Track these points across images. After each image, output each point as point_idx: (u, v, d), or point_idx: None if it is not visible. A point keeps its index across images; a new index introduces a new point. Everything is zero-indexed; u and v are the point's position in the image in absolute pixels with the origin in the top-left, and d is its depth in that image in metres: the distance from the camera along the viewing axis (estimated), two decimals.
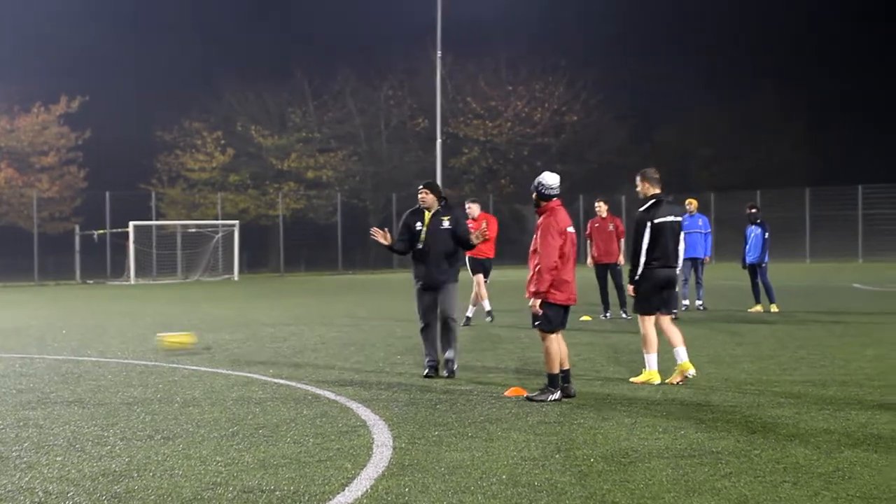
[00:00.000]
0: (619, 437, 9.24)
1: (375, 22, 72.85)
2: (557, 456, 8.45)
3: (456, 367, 13.31)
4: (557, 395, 11.35)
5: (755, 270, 23.86)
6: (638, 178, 12.97)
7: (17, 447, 9.18)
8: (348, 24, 74.45)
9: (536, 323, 11.45)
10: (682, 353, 12.75)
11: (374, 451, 8.75)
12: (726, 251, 52.84)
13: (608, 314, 22.07)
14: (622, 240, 22.47)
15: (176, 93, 65.01)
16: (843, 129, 76.89)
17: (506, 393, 11.83)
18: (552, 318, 11.47)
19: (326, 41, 71.35)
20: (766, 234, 23.79)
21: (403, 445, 8.96)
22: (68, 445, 9.25)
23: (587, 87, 71.78)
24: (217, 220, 54.41)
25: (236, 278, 50.16)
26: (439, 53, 59.58)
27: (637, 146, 77.65)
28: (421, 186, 13.66)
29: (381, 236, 13.39)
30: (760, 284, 23.76)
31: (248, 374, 13.93)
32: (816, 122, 78.40)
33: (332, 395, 11.91)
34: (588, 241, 22.69)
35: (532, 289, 11.33)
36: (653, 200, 12.84)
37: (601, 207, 22.53)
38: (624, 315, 21.75)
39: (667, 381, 12.69)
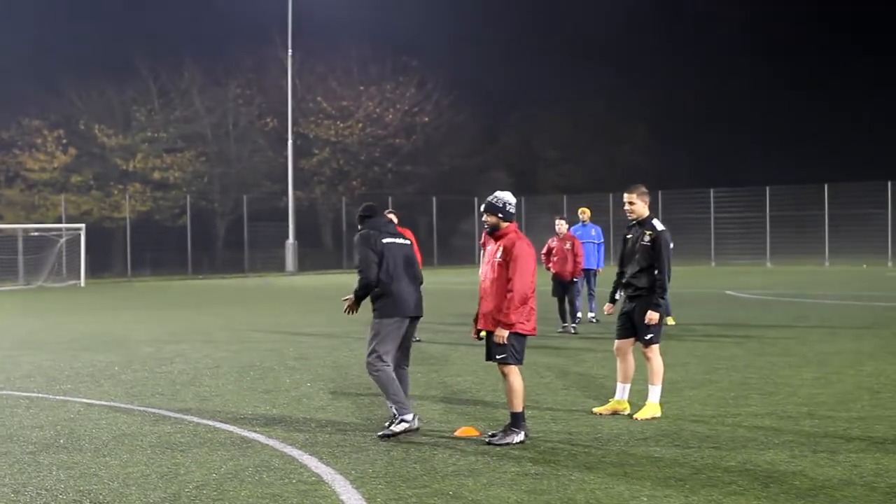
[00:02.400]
0: (620, 493, 8.16)
1: (222, 18, 70.76)
2: None
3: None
4: (521, 436, 10.26)
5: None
6: (636, 196, 11.76)
7: None
8: (194, 20, 72.18)
9: (501, 356, 10.30)
10: (626, 390, 11.83)
11: None
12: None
13: (566, 325, 21.16)
14: (578, 256, 21.59)
15: (10, 89, 61.82)
16: (687, 132, 77.59)
17: (456, 433, 10.69)
18: (520, 350, 10.37)
19: (172, 37, 69.01)
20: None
21: None
22: None
23: (438, 87, 71.01)
24: (61, 222, 51.79)
25: (83, 284, 47.83)
26: (290, 51, 58.22)
27: (486, 147, 77.34)
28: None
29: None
30: None
31: (153, 410, 12.50)
32: (658, 126, 79.11)
33: (263, 439, 10.61)
34: (544, 257, 21.71)
35: (504, 319, 10.17)
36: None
37: (561, 226, 21.72)
38: (573, 331, 21.05)
39: (594, 410, 11.77)
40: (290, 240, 58.04)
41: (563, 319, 21.51)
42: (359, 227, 11.33)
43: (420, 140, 71.28)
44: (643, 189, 11.74)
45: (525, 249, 10.29)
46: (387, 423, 10.69)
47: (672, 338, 19.51)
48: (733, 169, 69.08)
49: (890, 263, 54.80)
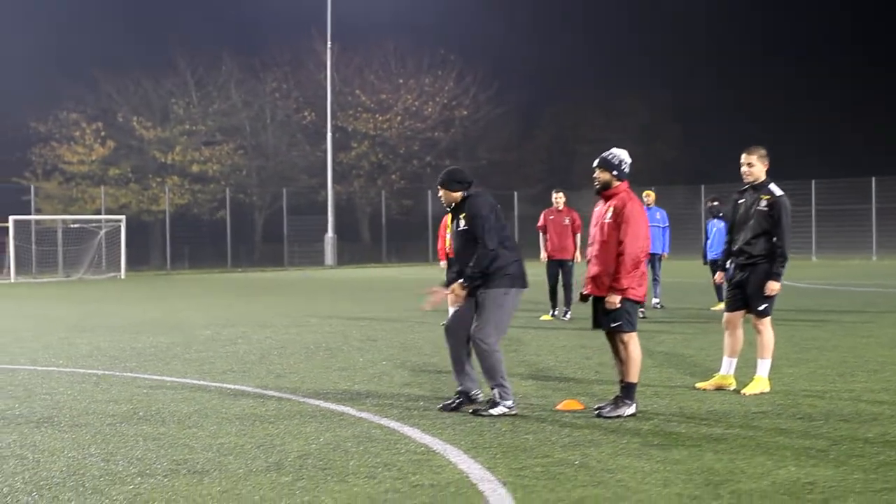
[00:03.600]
0: (762, 463, 7.52)
1: (259, 11, 70.32)
2: (709, 491, 6.72)
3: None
4: (633, 408, 9.63)
5: (718, 266, 22.39)
6: (755, 157, 11.03)
7: (8, 486, 7.12)
8: (231, 13, 71.79)
9: (616, 324, 9.66)
10: (733, 364, 11.16)
11: (484, 492, 6.89)
12: None
13: (555, 312, 20.37)
14: (578, 234, 20.77)
15: (47, 83, 61.51)
16: (720, 128, 76.59)
17: (558, 406, 10.05)
18: (633, 315, 9.73)
19: (209, 30, 68.59)
20: None
21: (513, 482, 7.10)
22: (77, 486, 7.21)
23: (476, 81, 70.29)
24: (99, 214, 51.39)
25: (122, 276, 47.40)
26: (329, 43, 57.70)
27: (523, 142, 76.70)
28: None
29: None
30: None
31: (229, 386, 11.92)
32: (693, 123, 78.31)
33: (354, 412, 10.01)
34: (541, 235, 20.93)
35: (616, 284, 9.53)
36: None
37: (558, 199, 20.79)
38: (565, 317, 20.16)
39: (698, 385, 11.11)
40: (330, 233, 57.50)
41: (554, 305, 20.60)
42: (459, 190, 10.21)
43: (458, 134, 70.64)
44: (763, 151, 11.06)
45: (637, 210, 9.67)
46: (485, 406, 9.86)
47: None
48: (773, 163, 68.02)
49: None
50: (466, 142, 71.57)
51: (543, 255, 20.88)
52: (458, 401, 10.07)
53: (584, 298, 10.13)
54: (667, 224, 23.31)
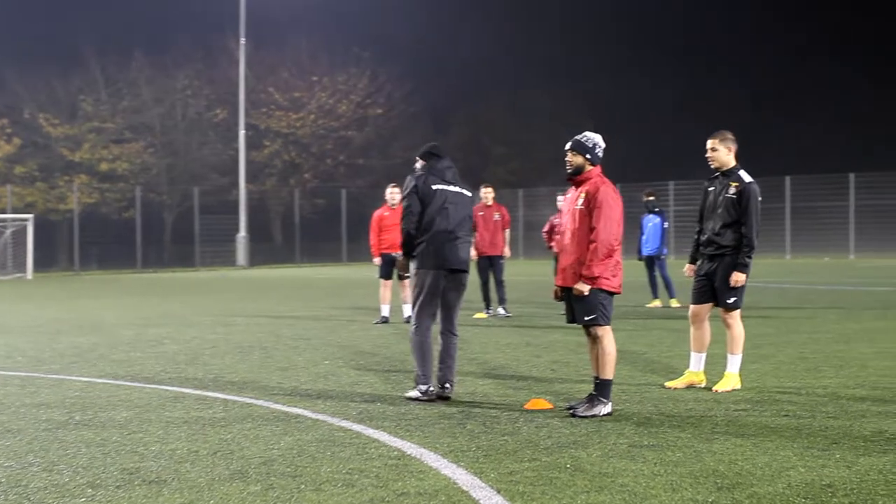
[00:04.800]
0: (767, 463, 7.01)
1: (171, 7, 69.00)
2: (724, 495, 6.20)
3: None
4: (609, 407, 9.07)
5: (652, 263, 22.05)
6: (718, 141, 10.53)
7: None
8: (142, 9, 70.28)
9: (590, 318, 9.07)
10: (702, 360, 10.66)
11: (479, 499, 6.28)
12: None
13: (490, 311, 19.87)
14: (507, 230, 20.30)
15: None
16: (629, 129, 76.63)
17: (526, 406, 9.45)
18: (609, 309, 9.15)
19: (119, 26, 67.09)
20: (666, 224, 22.07)
21: (507, 488, 6.50)
22: (21, 500, 6.47)
23: (391, 79, 69.61)
24: (5, 213, 49.78)
25: (29, 277, 45.97)
26: (243, 40, 56.72)
27: (438, 141, 76.04)
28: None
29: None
30: (659, 278, 21.95)
31: (167, 388, 11.16)
32: (610, 121, 78.37)
33: (310, 413, 9.33)
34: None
35: (587, 272, 8.95)
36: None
37: (487, 194, 20.30)
38: (503, 312, 19.78)
39: (667, 384, 10.61)
40: (242, 233, 56.41)
41: (488, 304, 20.30)
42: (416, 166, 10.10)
43: (372, 133, 69.86)
44: (728, 135, 10.54)
45: (610, 195, 9.10)
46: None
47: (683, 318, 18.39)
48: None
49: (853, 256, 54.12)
50: (380, 140, 70.82)
51: (473, 252, 20.34)
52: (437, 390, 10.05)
53: (558, 296, 9.53)
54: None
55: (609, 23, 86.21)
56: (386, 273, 18.94)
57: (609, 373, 9.12)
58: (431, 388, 9.89)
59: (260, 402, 10.00)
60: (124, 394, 10.71)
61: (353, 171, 69.51)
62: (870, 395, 9.93)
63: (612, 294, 9.15)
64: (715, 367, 11.05)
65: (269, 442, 8.05)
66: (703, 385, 10.56)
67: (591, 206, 9.04)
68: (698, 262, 10.74)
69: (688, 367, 10.85)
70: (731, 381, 10.41)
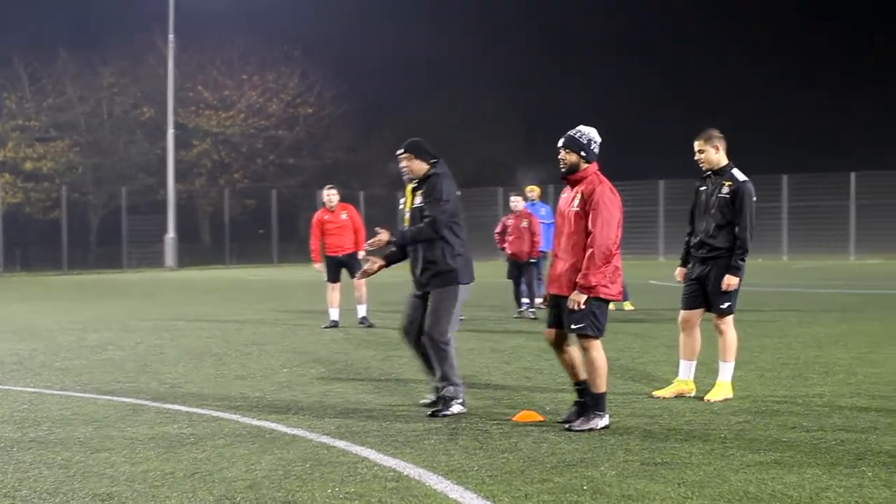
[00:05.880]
0: (799, 483, 6.51)
1: (97, 4, 67.44)
2: None
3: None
4: (606, 420, 8.52)
5: None
6: (704, 142, 10.03)
7: None
8: (69, 5, 68.68)
9: (578, 326, 8.50)
10: (692, 368, 10.17)
11: None
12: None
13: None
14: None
15: None
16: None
17: (515, 419, 8.87)
18: (602, 319, 8.58)
19: (46, 22, 65.53)
20: None
21: None
22: None
23: (321, 79, 68.71)
24: None
25: None
26: (171, 37, 55.59)
27: (368, 142, 75.44)
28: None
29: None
30: None
31: (123, 399, 10.45)
32: (537, 124, 78.28)
33: (284, 428, 8.69)
34: (498, 238, 20.18)
35: (583, 280, 8.37)
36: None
37: (517, 202, 20.18)
38: (532, 312, 19.54)
39: (655, 393, 10.11)
40: (170, 234, 55.26)
41: (519, 304, 19.85)
42: (425, 156, 9.38)
43: (303, 132, 68.90)
44: (714, 133, 10.04)
45: (608, 196, 8.51)
46: (440, 406, 9.15)
47: (642, 322, 18.05)
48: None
49: (786, 257, 54.19)
50: (311, 140, 69.88)
51: (504, 247, 20.14)
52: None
53: (546, 299, 8.96)
54: (552, 220, 22.34)
55: (537, 22, 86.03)
56: (334, 276, 18.29)
57: (602, 385, 8.58)
58: None
59: (226, 416, 9.33)
60: (77, 406, 9.99)
61: (284, 171, 68.57)
62: (870, 405, 9.49)
63: (607, 302, 8.59)
64: (699, 375, 10.52)
65: (248, 462, 7.41)
66: (692, 394, 10.06)
67: (587, 209, 8.47)
68: (689, 266, 10.23)
69: (676, 375, 10.35)
70: (723, 390, 9.93)
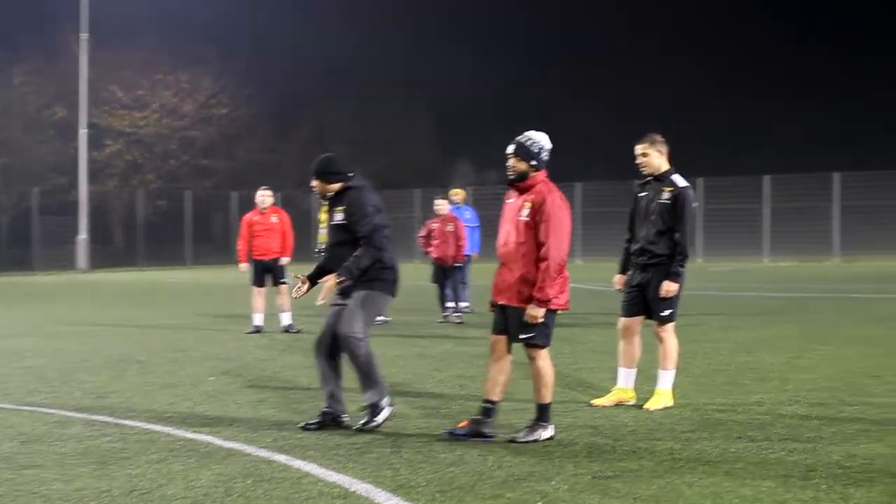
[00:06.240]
0: (757, 497, 6.41)
1: (8, 1, 66.03)
2: None
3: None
4: (550, 431, 8.38)
5: None
6: (648, 145, 9.92)
7: None
8: None
9: (527, 336, 8.34)
10: (631, 376, 10.08)
11: None
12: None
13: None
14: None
15: None
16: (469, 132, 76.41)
17: (459, 425, 8.63)
18: (550, 326, 8.44)
19: None
20: None
21: None
22: None
23: (235, 79, 68.00)
24: None
25: None
26: (84, 36, 54.69)
27: (281, 143, 74.90)
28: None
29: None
30: None
31: (47, 410, 10.09)
32: (446, 123, 78.34)
33: (220, 441, 8.44)
34: (422, 242, 20.04)
35: (540, 294, 8.20)
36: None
37: (441, 206, 20.30)
38: (457, 317, 19.36)
39: (594, 402, 10.00)
40: (82, 235, 54.32)
41: (444, 308, 19.65)
42: (337, 176, 9.02)
43: (216, 133, 68.13)
44: (658, 138, 9.94)
45: (559, 205, 8.35)
46: (366, 416, 8.78)
47: (570, 326, 17.96)
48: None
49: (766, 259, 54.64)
50: (224, 140, 69.11)
51: (428, 251, 20.06)
52: (321, 421, 8.94)
53: (493, 307, 8.77)
54: (477, 224, 22.27)
55: (449, 21, 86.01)
56: (259, 280, 17.99)
57: (548, 396, 8.44)
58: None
59: (157, 428, 9.04)
60: (0, 418, 9.62)
61: (198, 171, 67.74)
62: (810, 412, 9.46)
63: (556, 312, 8.44)
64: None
65: (187, 478, 7.15)
66: (632, 402, 9.96)
67: (537, 219, 8.29)
68: (629, 273, 10.13)
69: (612, 382, 10.26)
70: (663, 398, 9.84)
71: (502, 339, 8.46)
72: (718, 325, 18.01)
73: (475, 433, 8.27)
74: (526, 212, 8.32)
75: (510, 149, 8.46)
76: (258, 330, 17.69)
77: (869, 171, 51.74)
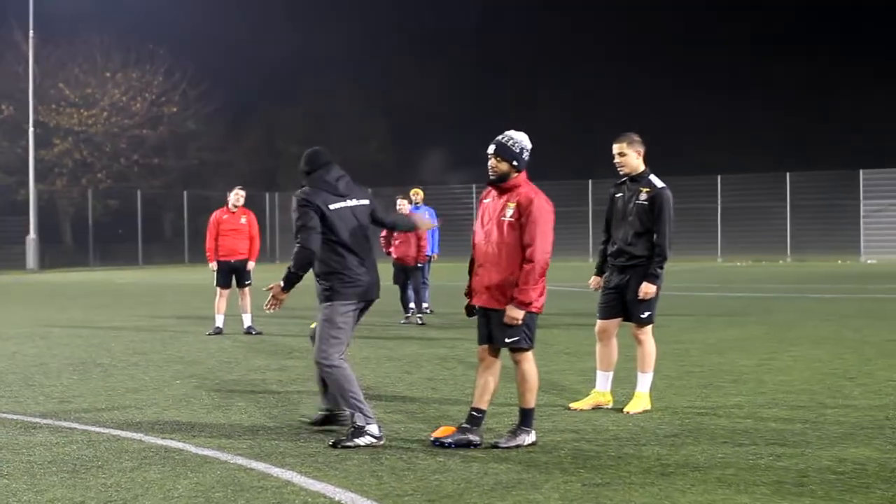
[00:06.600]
0: (727, 497, 6.28)
1: None
2: None
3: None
4: (533, 436, 8.22)
5: None
6: (626, 145, 9.76)
7: None
8: None
9: (512, 339, 8.16)
10: (609, 380, 9.93)
11: None
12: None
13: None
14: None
15: None
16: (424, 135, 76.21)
17: (433, 434, 8.44)
18: (533, 329, 8.27)
19: None
20: None
21: None
22: None
23: (186, 77, 67.34)
24: None
25: None
26: (31, 34, 54.05)
27: (232, 142, 74.37)
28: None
29: None
30: None
31: (8, 416, 9.80)
32: (399, 125, 78.17)
33: (193, 448, 8.20)
34: (383, 243, 19.78)
35: (521, 296, 8.02)
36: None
37: (403, 206, 20.00)
38: (419, 318, 19.12)
39: (571, 405, 9.85)
40: (32, 235, 53.65)
41: (406, 309, 19.45)
42: (304, 172, 8.78)
43: (167, 132, 67.46)
44: (635, 138, 9.79)
45: (545, 208, 8.17)
46: (346, 434, 8.34)
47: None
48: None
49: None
50: (175, 140, 68.42)
51: (389, 251, 19.83)
52: (322, 416, 8.86)
53: (470, 311, 8.58)
54: (436, 224, 22.01)
55: (404, 20, 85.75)
56: (224, 281, 17.69)
57: (531, 401, 8.27)
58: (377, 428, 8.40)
59: (127, 434, 8.78)
60: None
61: (148, 171, 67.04)
62: (792, 415, 9.34)
63: (536, 315, 8.26)
64: (594, 385, 10.24)
65: (164, 488, 6.91)
66: (610, 406, 9.80)
67: (522, 220, 8.10)
68: (606, 274, 9.97)
69: (585, 384, 10.14)
70: (642, 401, 9.69)
71: (489, 347, 8.28)
72: (685, 326, 17.92)
73: (463, 442, 8.07)
74: (510, 212, 8.13)
75: (491, 148, 8.27)
76: (219, 331, 17.41)
77: (818, 171, 52.21)
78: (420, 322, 18.94)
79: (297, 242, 8.45)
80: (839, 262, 47.07)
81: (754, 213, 53.42)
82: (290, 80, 79.47)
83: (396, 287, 19.55)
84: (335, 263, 8.43)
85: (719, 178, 54.26)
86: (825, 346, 14.54)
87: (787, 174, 53.06)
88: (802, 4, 78.24)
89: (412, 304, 19.40)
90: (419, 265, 19.61)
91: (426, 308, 20.60)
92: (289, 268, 8.46)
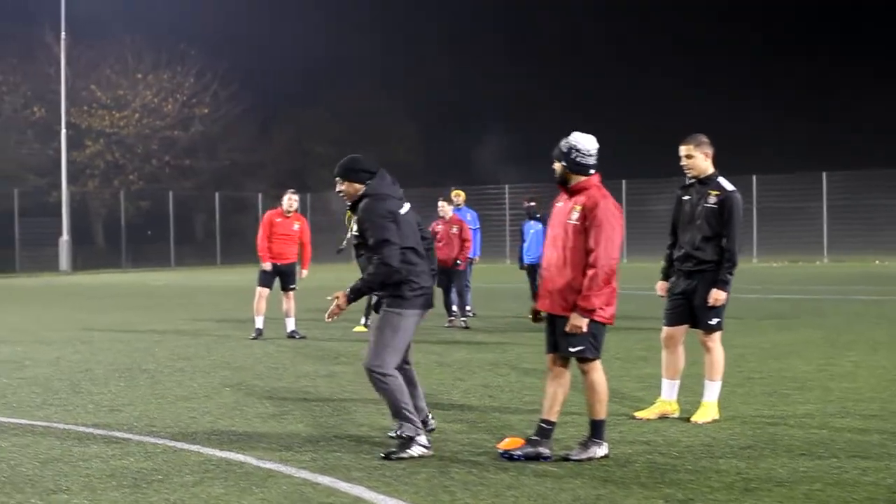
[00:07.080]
0: None
1: None
2: None
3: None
4: (605, 448, 7.94)
5: (535, 271, 21.01)
6: (693, 147, 9.48)
7: None
8: None
9: (577, 349, 7.88)
10: (675, 388, 9.65)
11: None
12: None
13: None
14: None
15: None
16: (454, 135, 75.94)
17: (499, 446, 8.18)
18: (600, 338, 7.98)
19: None
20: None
21: None
22: None
23: (217, 78, 67.29)
24: None
25: None
26: (63, 36, 54.03)
27: (263, 143, 74.26)
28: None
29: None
30: None
31: (62, 426, 9.62)
32: (426, 126, 77.99)
33: (254, 461, 7.97)
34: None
35: (584, 303, 7.75)
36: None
37: (445, 208, 19.72)
38: (463, 321, 18.91)
39: (637, 415, 9.57)
40: (65, 237, 53.68)
41: (450, 312, 19.19)
42: (357, 177, 8.38)
43: (198, 133, 67.44)
44: (703, 139, 9.50)
45: (611, 212, 7.90)
46: (396, 446, 8.10)
47: None
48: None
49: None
50: (206, 141, 68.42)
51: None
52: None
53: (536, 317, 8.32)
54: (478, 226, 21.85)
55: (434, 22, 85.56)
56: (267, 282, 17.46)
57: (602, 412, 8.00)
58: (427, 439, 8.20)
59: (184, 446, 8.56)
60: (14, 436, 9.10)
61: (180, 172, 67.05)
62: (867, 426, 9.05)
63: (605, 325, 7.98)
64: (654, 392, 9.93)
65: (224, 500, 6.66)
66: (676, 415, 9.52)
67: (587, 224, 7.83)
68: (672, 280, 9.68)
69: (645, 391, 9.86)
70: (710, 410, 9.41)
71: (557, 357, 8.02)
72: (735, 330, 17.47)
73: (532, 455, 7.81)
74: (576, 215, 7.88)
75: (555, 151, 8.05)
76: (259, 333, 17.21)
77: (856, 171, 51.71)
78: (464, 325, 18.70)
79: (377, 257, 8.11)
80: (876, 262, 46.48)
81: (790, 214, 52.89)
82: (319, 80, 79.34)
83: (439, 290, 19.27)
84: (405, 270, 8.17)
85: (754, 178, 53.66)
86: (883, 352, 14.21)
87: (824, 174, 52.51)
88: (802, 4, 77.68)
89: (455, 307, 19.15)
90: (457, 264, 19.32)
91: (469, 311, 20.33)
92: (363, 280, 8.18)
